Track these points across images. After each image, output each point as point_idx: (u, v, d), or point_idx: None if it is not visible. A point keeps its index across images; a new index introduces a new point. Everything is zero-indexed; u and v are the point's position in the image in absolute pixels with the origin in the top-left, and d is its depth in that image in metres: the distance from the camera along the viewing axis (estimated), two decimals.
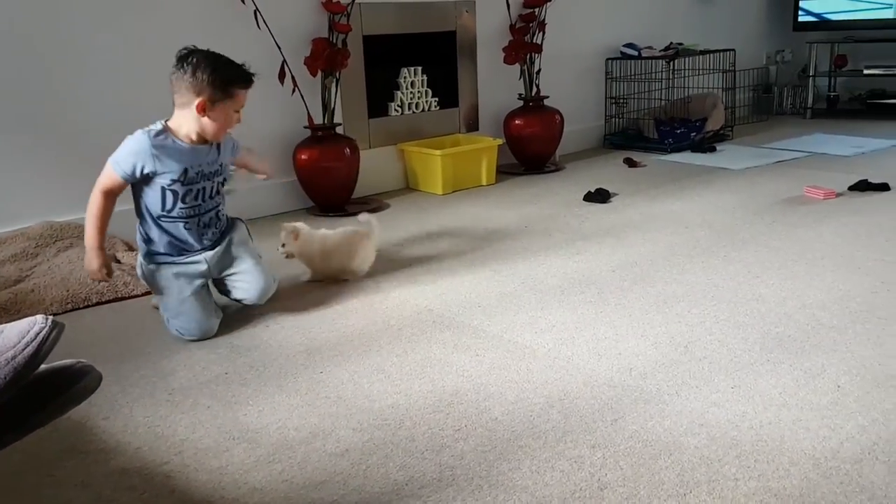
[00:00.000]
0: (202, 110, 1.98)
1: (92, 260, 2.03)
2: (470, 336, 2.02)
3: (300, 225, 2.41)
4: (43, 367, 1.21)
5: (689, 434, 1.50)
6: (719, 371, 1.77)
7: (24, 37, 2.68)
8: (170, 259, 2.10)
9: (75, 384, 1.29)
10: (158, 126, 2.02)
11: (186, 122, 2.01)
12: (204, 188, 2.09)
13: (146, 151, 1.97)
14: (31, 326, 1.17)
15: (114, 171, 1.98)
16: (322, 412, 1.65)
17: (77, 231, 2.74)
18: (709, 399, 1.64)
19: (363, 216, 2.56)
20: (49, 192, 2.79)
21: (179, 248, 2.11)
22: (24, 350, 1.15)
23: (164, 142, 2.00)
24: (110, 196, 2.01)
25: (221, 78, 1.98)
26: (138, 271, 2.17)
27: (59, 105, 2.78)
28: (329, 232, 2.47)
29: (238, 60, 2.03)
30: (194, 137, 2.04)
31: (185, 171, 2.02)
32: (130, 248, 2.80)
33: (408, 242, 2.89)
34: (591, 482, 1.36)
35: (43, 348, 1.16)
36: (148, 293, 2.42)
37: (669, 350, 1.89)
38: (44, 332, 1.16)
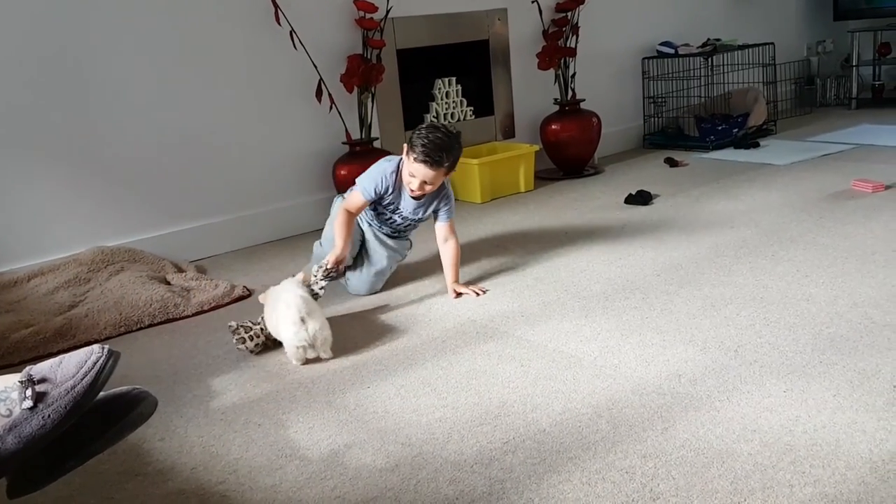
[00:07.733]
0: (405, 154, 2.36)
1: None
2: (514, 346, 2.02)
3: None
4: (101, 394, 1.25)
5: (741, 441, 1.48)
6: (771, 375, 1.74)
7: (76, 74, 2.78)
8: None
9: (132, 410, 1.32)
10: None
11: None
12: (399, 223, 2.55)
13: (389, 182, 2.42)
14: (88, 356, 1.20)
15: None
16: (371, 427, 1.67)
17: (127, 255, 2.81)
18: (761, 404, 1.61)
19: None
20: (98, 219, 2.88)
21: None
22: (83, 380, 1.18)
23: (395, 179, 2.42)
24: None
25: (412, 138, 2.32)
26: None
27: (105, 138, 2.87)
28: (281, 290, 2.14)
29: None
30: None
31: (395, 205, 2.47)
32: (179, 270, 2.86)
33: None
34: (643, 493, 1.35)
35: (100, 377, 1.19)
36: (197, 314, 2.47)
37: (719, 355, 1.86)
38: (100, 361, 1.20)
